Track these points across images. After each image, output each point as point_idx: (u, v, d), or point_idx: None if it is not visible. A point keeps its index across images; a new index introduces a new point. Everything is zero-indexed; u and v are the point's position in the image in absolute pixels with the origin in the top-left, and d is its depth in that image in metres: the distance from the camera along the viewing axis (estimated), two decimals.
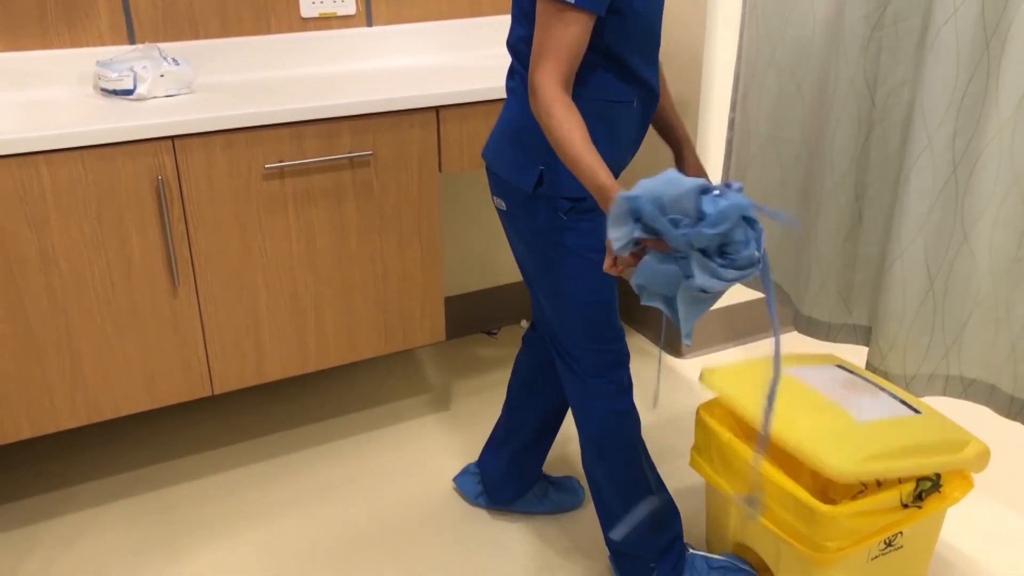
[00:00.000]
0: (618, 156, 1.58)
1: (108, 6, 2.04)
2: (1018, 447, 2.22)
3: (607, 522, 1.74)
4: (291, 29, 2.24)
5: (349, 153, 1.95)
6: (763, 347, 2.76)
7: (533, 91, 1.36)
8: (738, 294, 2.71)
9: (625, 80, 1.52)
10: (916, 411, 1.62)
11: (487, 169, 1.64)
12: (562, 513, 2.04)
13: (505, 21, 2.47)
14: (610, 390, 1.65)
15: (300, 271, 2.01)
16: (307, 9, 2.23)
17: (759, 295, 2.75)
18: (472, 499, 2.05)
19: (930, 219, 1.73)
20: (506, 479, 1.97)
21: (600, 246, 1.58)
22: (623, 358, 1.66)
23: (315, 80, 2.16)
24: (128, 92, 1.92)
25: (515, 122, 1.56)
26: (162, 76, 1.94)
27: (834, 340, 2.09)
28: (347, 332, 2.11)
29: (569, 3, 1.33)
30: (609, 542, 1.76)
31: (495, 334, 2.83)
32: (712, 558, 1.79)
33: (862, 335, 2.06)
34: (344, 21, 2.29)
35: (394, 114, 1.98)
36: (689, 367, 2.65)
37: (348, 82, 2.14)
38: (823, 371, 1.76)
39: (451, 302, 2.71)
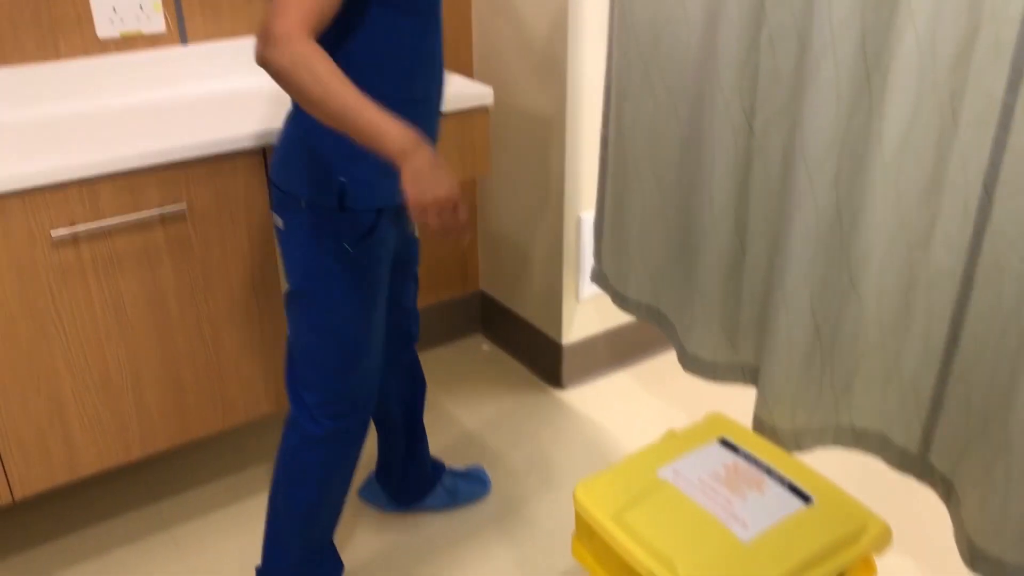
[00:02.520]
0: None
1: None
2: (910, 497, 2.19)
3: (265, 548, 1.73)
4: (86, 52, 1.94)
5: (159, 209, 1.70)
6: (651, 369, 2.66)
7: (277, 39, 1.19)
8: (621, 316, 2.59)
9: (420, 73, 1.46)
10: (808, 499, 1.52)
11: (271, 185, 1.51)
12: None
13: None
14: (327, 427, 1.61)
15: (111, 348, 1.76)
16: (105, 28, 1.94)
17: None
18: (383, 506, 2.11)
19: (815, 265, 1.63)
20: (406, 479, 2.03)
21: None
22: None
23: (118, 114, 1.89)
24: None
25: (305, 129, 1.43)
26: None
27: (720, 380, 2.00)
28: (176, 410, 1.88)
29: None
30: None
31: None
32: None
33: (750, 374, 1.97)
34: (152, 40, 2.01)
35: (213, 159, 1.73)
36: (574, 398, 2.52)
37: (158, 115, 1.87)
38: (706, 457, 1.64)
39: None
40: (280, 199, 1.50)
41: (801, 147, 1.58)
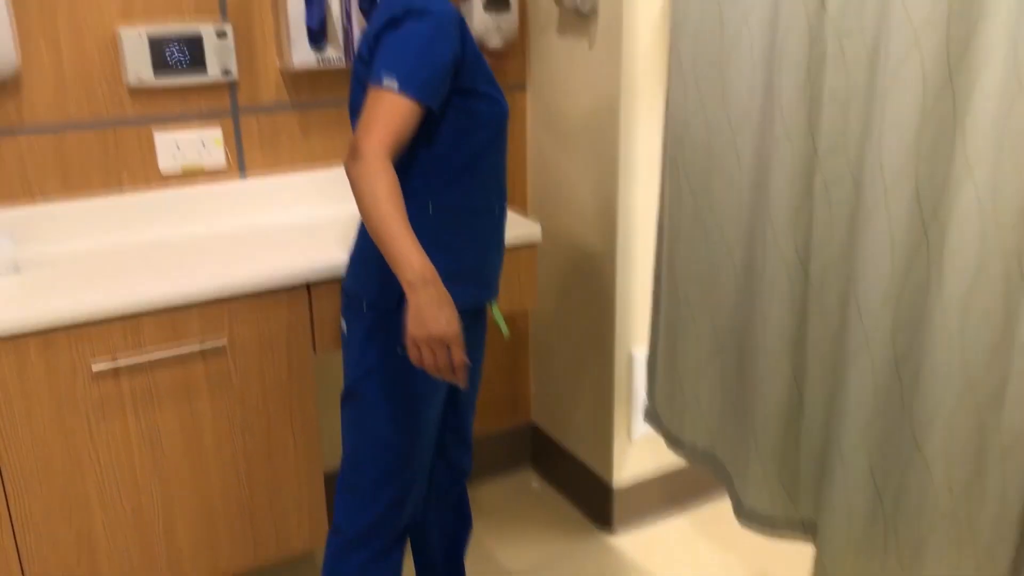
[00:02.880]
0: (492, 260, 1.63)
1: None
2: None
3: None
4: (148, 186, 2.02)
5: (199, 344, 1.71)
6: (709, 514, 2.52)
7: (359, 156, 1.36)
8: (675, 459, 2.48)
9: (487, 185, 1.58)
10: None
11: (341, 291, 1.63)
12: None
13: None
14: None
15: (144, 481, 1.74)
16: (167, 163, 2.01)
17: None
18: None
19: (873, 424, 1.52)
20: None
21: None
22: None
23: (175, 245, 1.93)
24: None
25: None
26: None
27: (779, 536, 1.86)
28: (206, 546, 1.84)
29: (393, 90, 1.38)
30: None
31: None
32: None
33: (810, 529, 1.83)
34: (212, 174, 2.07)
35: (255, 296, 1.75)
36: (625, 544, 2.40)
37: (213, 247, 1.92)
38: None
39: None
40: (346, 303, 1.59)
41: (856, 298, 1.51)
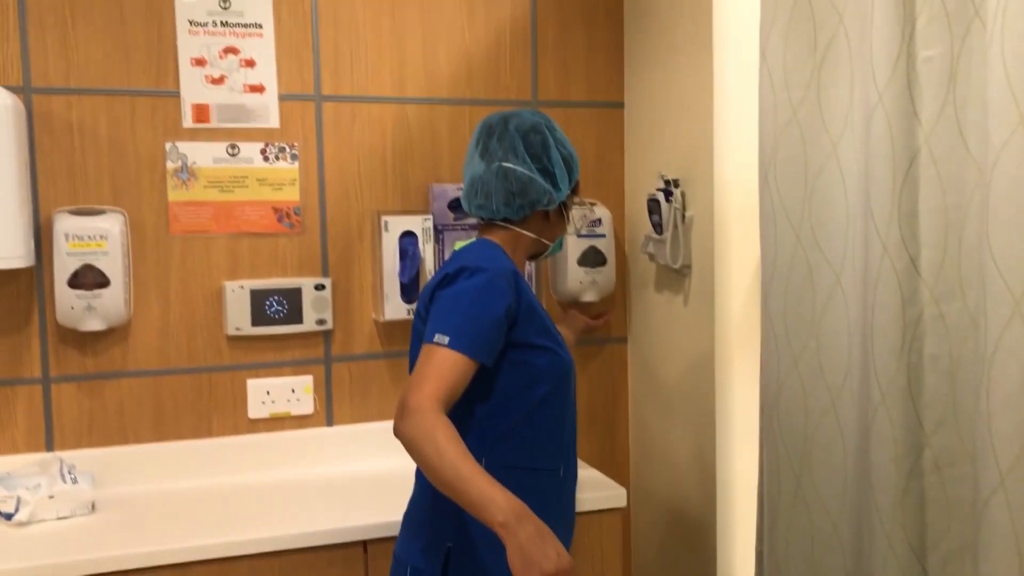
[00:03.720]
0: (554, 527, 1.35)
1: (28, 412, 1.93)
2: None
3: None
4: (236, 432, 2.05)
5: None
6: None
7: (411, 411, 1.31)
8: None
9: (549, 443, 1.52)
10: None
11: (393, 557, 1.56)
12: None
13: None
14: None
15: None
16: (256, 410, 2.06)
17: None
18: None
19: None
20: None
21: None
22: None
23: (251, 490, 1.93)
24: (8, 516, 1.72)
25: (427, 497, 1.49)
26: (51, 497, 1.74)
27: None
28: None
29: (444, 345, 1.36)
30: None
31: None
32: None
33: None
34: (300, 421, 2.09)
35: (308, 551, 1.68)
36: None
37: (287, 494, 1.91)
38: None
39: None
40: (392, 568, 1.53)
41: None
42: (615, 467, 2.33)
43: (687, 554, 2.09)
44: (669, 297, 2.11)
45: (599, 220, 2.18)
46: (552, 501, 1.52)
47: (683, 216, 1.97)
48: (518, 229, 1.57)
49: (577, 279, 2.17)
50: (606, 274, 2.19)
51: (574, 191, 1.64)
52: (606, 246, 2.18)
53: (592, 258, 2.17)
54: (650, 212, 2.02)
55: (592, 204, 2.20)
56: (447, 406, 1.35)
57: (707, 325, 1.96)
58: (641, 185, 2.22)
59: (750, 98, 1.78)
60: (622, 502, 1.87)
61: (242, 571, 1.65)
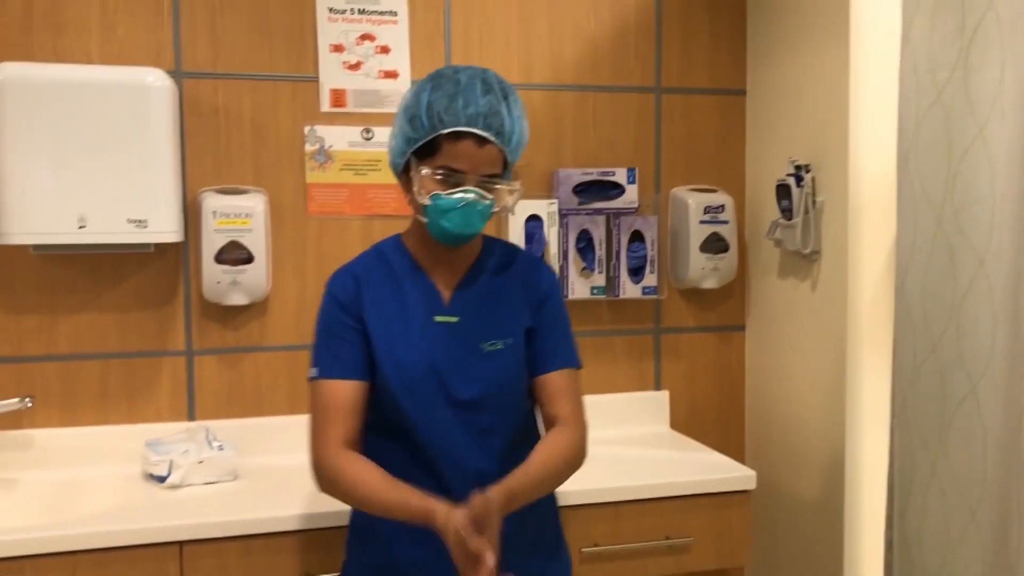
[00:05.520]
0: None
1: (172, 383, 2.05)
2: None
3: None
4: None
5: None
6: None
7: (315, 470, 1.44)
8: None
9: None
10: None
11: None
12: None
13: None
14: None
15: None
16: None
17: None
18: None
19: None
20: None
21: None
22: None
23: None
24: (161, 479, 1.84)
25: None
26: (200, 463, 1.85)
27: None
28: None
29: (312, 379, 1.48)
30: None
31: None
32: None
33: None
34: None
35: None
36: None
37: None
38: None
39: None
40: None
41: None
42: (731, 454, 2.35)
43: (812, 539, 2.11)
44: (795, 283, 2.14)
45: (722, 206, 2.22)
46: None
47: (814, 201, 2.00)
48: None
49: (699, 265, 2.21)
50: (728, 260, 2.23)
51: (425, 154, 1.41)
52: (728, 232, 2.22)
53: (714, 244, 2.21)
54: (779, 198, 2.05)
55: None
56: (351, 436, 1.43)
57: (838, 310, 1.98)
58: (763, 172, 2.25)
59: (887, 82, 1.79)
60: (752, 484, 1.91)
61: None
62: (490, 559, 1.25)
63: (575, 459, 1.46)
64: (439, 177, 1.39)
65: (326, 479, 1.42)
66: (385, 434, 1.47)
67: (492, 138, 1.39)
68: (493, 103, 1.39)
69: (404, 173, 1.45)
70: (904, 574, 1.78)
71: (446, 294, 1.49)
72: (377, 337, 1.46)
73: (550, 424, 1.51)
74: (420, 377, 1.44)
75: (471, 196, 1.39)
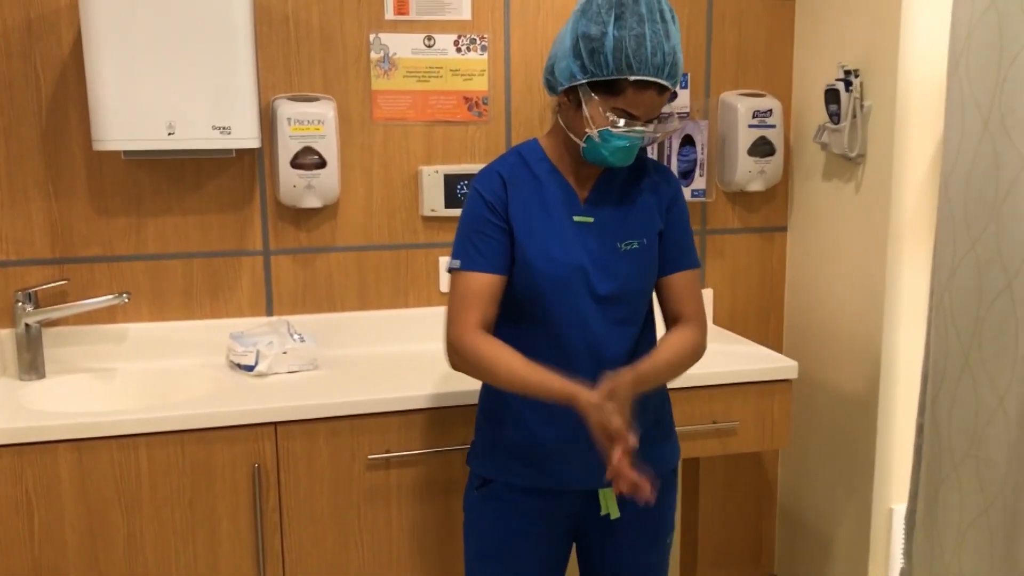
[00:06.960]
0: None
1: (251, 280, 2.20)
2: None
3: None
4: (429, 303, 2.30)
5: (461, 445, 1.90)
6: None
7: (452, 350, 1.53)
8: None
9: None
10: None
11: None
12: None
13: None
14: None
15: (400, 570, 1.91)
16: (447, 284, 2.28)
17: None
18: None
19: None
20: None
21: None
22: None
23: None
24: (249, 368, 2.01)
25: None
26: (285, 353, 2.01)
27: None
28: None
29: (454, 270, 1.56)
30: None
31: None
32: None
33: None
34: None
35: None
36: None
37: None
38: None
39: None
40: None
41: None
42: (768, 347, 2.50)
43: (847, 428, 2.27)
44: (838, 186, 2.24)
45: (770, 111, 2.30)
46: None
47: (861, 105, 2.08)
48: (559, 118, 1.57)
49: (746, 168, 2.31)
50: (775, 163, 2.32)
51: (603, 89, 1.45)
52: (775, 136, 2.31)
53: (761, 148, 2.30)
54: (827, 102, 2.14)
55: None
56: (487, 322, 1.52)
57: (881, 212, 2.09)
58: (811, 77, 2.32)
59: None
60: (794, 374, 2.06)
61: (457, 421, 1.91)
62: (632, 439, 1.37)
63: (696, 354, 1.60)
64: (614, 116, 1.45)
65: (465, 358, 1.51)
66: (515, 325, 1.57)
67: (672, 86, 1.47)
68: (675, 48, 1.44)
69: (567, 92, 1.49)
70: (933, 457, 1.94)
71: (582, 195, 1.60)
72: (524, 234, 1.55)
73: (674, 320, 1.63)
74: (569, 273, 1.55)
75: (641, 138, 1.48)
